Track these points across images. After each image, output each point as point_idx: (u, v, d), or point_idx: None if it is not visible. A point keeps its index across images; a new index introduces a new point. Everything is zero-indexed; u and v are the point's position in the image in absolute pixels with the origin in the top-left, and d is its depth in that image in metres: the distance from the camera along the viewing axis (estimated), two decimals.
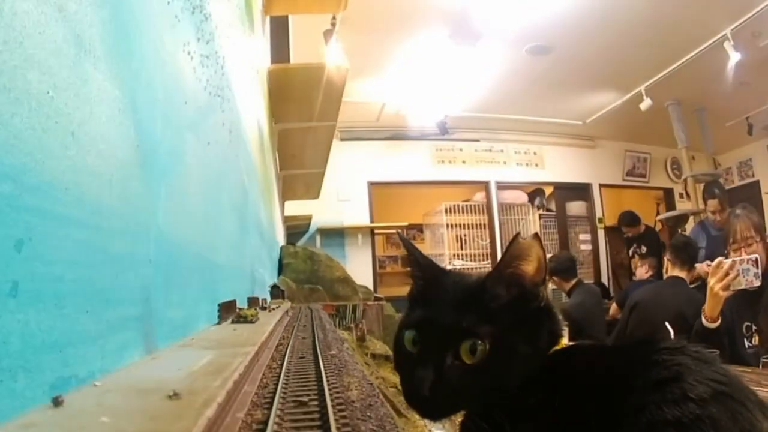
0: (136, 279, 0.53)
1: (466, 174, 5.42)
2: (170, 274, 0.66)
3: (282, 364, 0.73)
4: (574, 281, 3.25)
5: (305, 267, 2.86)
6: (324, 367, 0.71)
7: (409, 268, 0.49)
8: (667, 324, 1.84)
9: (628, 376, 0.36)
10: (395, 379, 1.34)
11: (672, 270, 2.39)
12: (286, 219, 4.12)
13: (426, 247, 5.30)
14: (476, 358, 0.40)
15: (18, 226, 0.33)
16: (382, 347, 1.84)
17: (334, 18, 2.54)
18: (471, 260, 5.27)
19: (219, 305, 0.89)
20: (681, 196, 5.74)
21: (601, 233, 5.62)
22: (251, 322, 0.94)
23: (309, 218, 4.54)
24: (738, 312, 1.71)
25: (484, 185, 5.47)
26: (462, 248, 5.34)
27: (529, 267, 0.42)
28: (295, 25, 2.98)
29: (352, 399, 0.57)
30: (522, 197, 5.65)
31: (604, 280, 5.45)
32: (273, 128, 2.71)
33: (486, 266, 5.21)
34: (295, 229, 4.59)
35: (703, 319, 1.64)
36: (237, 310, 1.00)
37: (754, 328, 1.67)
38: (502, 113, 4.93)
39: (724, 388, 0.33)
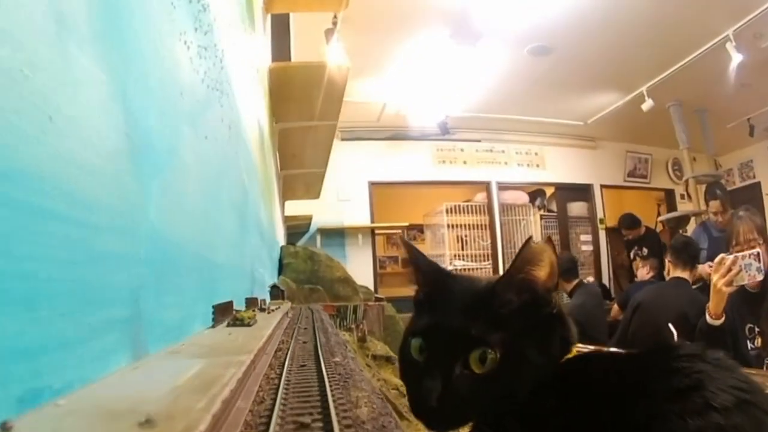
0: (124, 278, 0.49)
1: (467, 174, 5.40)
2: (164, 273, 0.62)
3: (281, 374, 0.67)
4: (575, 282, 3.24)
5: (305, 267, 2.83)
6: (328, 377, 0.65)
7: (409, 269, 0.48)
8: (670, 325, 1.83)
9: (645, 384, 0.34)
10: (397, 381, 1.32)
11: (674, 271, 2.38)
12: (287, 219, 4.11)
13: (426, 248, 5.28)
14: (486, 368, 0.38)
15: None
16: (383, 348, 1.82)
17: (335, 17, 2.52)
18: (472, 261, 5.25)
19: (213, 307, 0.85)
20: (682, 197, 5.72)
21: (602, 234, 5.61)
22: (248, 325, 0.89)
23: (309, 218, 4.52)
24: (740, 313, 1.71)
25: (485, 185, 5.46)
26: (463, 249, 5.33)
27: (542, 272, 0.41)
28: (296, 23, 2.97)
29: (362, 419, 0.51)
30: (523, 198, 5.65)
31: (605, 280, 5.44)
32: (273, 127, 2.69)
33: (487, 267, 5.20)
34: (296, 229, 4.58)
35: (707, 316, 1.66)
36: (233, 313, 0.95)
37: (756, 329, 1.68)
38: (503, 113, 4.92)
39: (747, 396, 0.32)
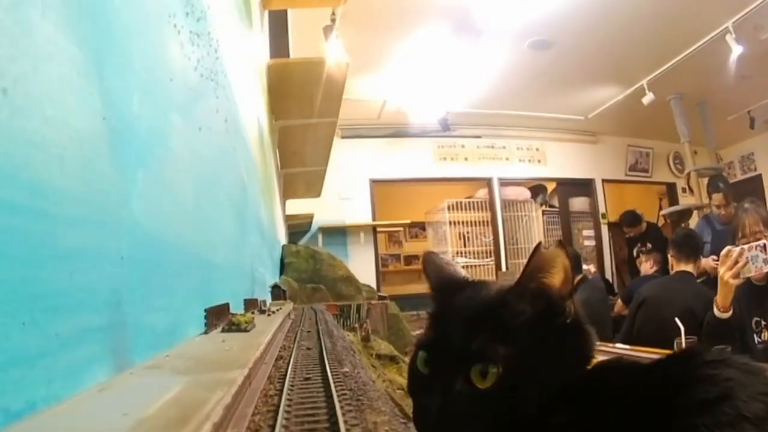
0: (101, 280, 0.43)
1: (469, 171, 5.37)
2: (151, 274, 0.56)
3: (282, 390, 0.58)
4: (578, 277, 3.20)
5: (307, 266, 2.79)
6: (337, 394, 0.56)
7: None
8: (677, 320, 1.81)
9: (669, 397, 0.32)
10: (402, 380, 1.28)
11: (677, 265, 2.37)
12: (288, 218, 4.08)
13: (428, 245, 5.24)
14: (488, 383, 0.36)
15: None
16: (387, 347, 1.78)
17: (333, 13, 2.49)
18: (474, 257, 5.22)
19: (206, 310, 0.78)
20: (684, 190, 5.70)
21: (604, 229, 5.58)
22: (245, 330, 0.82)
23: (311, 217, 4.49)
24: (747, 307, 1.71)
25: (487, 182, 5.44)
26: (465, 245, 5.31)
27: (555, 279, 0.38)
28: (294, 20, 2.93)
29: None
30: (525, 193, 5.62)
31: (608, 275, 5.41)
32: (273, 125, 2.64)
33: (489, 263, 5.16)
34: (297, 228, 4.55)
35: (715, 309, 1.66)
36: (229, 316, 0.88)
37: (763, 323, 1.68)
38: (504, 109, 4.90)
39: None
